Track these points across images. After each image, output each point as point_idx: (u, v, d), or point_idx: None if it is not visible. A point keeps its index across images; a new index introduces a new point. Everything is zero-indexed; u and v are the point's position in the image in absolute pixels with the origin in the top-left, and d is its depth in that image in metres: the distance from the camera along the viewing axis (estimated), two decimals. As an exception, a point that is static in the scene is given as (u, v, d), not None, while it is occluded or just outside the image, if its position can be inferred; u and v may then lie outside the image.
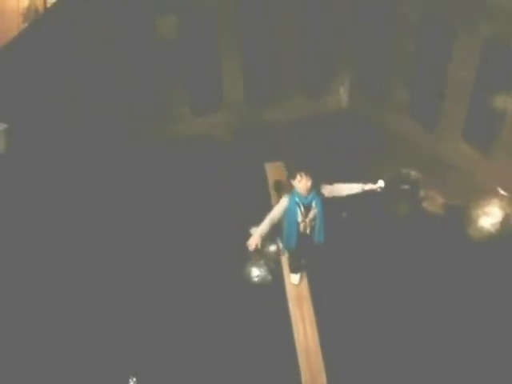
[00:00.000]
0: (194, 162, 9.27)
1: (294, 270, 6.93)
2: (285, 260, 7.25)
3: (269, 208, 8.07)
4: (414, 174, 8.82)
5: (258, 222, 7.88)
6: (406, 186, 8.60)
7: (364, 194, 6.21)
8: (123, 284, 7.19)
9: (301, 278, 6.93)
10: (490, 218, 8.06)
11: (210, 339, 6.46)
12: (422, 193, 8.49)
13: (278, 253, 7.22)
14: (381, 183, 6.13)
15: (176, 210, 8.30)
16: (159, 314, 6.79)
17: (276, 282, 7.12)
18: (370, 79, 10.03)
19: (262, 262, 7.45)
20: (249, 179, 8.70)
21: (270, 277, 7.27)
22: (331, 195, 6.04)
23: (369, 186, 6.15)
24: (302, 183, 5.69)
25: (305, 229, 6.11)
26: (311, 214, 5.96)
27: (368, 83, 10.08)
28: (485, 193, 8.43)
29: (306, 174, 5.67)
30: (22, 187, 8.43)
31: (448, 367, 6.04)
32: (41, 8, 10.38)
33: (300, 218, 5.97)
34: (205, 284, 7.13)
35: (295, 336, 6.38)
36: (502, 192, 8.39)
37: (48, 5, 10.18)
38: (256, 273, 7.35)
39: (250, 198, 8.36)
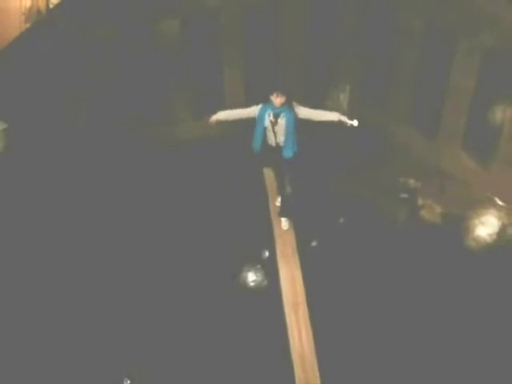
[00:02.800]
0: (193, 165, 9.28)
1: (282, 214, 7.82)
2: (281, 264, 7.29)
3: (267, 212, 8.16)
4: (412, 182, 8.83)
5: (256, 225, 7.95)
6: (404, 195, 8.62)
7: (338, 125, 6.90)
8: (120, 287, 7.18)
9: (289, 223, 7.85)
10: (487, 227, 8.07)
11: (205, 344, 6.44)
12: (419, 201, 8.50)
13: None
14: (355, 122, 6.82)
15: (174, 214, 8.30)
16: (155, 318, 6.77)
17: (272, 287, 7.10)
18: (370, 87, 10.05)
19: (258, 266, 7.45)
20: (247, 184, 8.72)
21: (265, 282, 7.26)
22: (306, 117, 6.94)
23: (344, 118, 6.89)
24: (277, 99, 6.75)
25: (273, 139, 7.08)
26: (279, 125, 6.91)
27: (368, 91, 10.10)
28: (482, 202, 8.44)
29: (282, 93, 6.72)
30: (22, 187, 8.42)
31: (445, 377, 6.03)
32: (43, 8, 10.39)
33: (267, 125, 6.97)
34: (201, 288, 7.12)
35: (290, 342, 6.38)
36: (500, 202, 8.40)
37: (50, 5, 10.21)
38: (252, 278, 7.34)
39: (248, 202, 8.38)
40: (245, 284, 7.28)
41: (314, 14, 9.65)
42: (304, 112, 6.94)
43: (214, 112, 7.21)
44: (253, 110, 7.05)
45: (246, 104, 7.26)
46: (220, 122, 7.24)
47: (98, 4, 8.82)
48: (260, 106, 6.99)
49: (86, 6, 8.88)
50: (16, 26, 10.05)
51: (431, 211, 8.33)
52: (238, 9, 9.34)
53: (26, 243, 7.73)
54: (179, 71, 9.59)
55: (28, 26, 9.92)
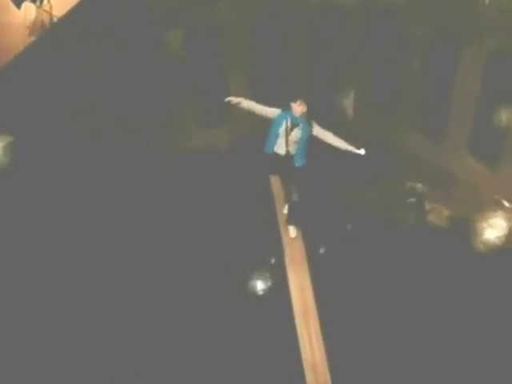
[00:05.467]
0: (201, 174, 9.29)
1: (290, 222, 7.82)
2: (290, 272, 7.29)
3: (274, 220, 8.17)
4: (419, 187, 8.83)
5: (264, 234, 7.96)
6: (412, 199, 8.61)
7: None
8: (132, 295, 7.21)
9: (297, 231, 7.85)
10: (495, 230, 8.05)
11: (215, 352, 6.43)
12: (427, 206, 8.49)
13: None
14: (362, 151, 6.95)
15: (182, 223, 8.30)
16: (162, 328, 6.77)
17: (281, 295, 7.10)
18: (375, 93, 10.06)
19: (267, 274, 7.45)
20: (254, 192, 8.72)
21: (275, 290, 7.25)
22: (317, 135, 6.98)
23: (351, 148, 7.01)
24: (299, 107, 6.78)
25: (284, 146, 7.05)
26: (294, 134, 6.94)
27: (373, 97, 10.11)
28: (490, 205, 8.42)
29: (305, 103, 6.77)
30: (28, 199, 8.47)
31: (455, 379, 6.01)
32: (47, 22, 10.48)
33: (282, 131, 6.96)
34: (210, 297, 7.12)
35: (301, 350, 6.37)
36: (507, 204, 8.39)
37: (54, 19, 10.29)
38: (261, 286, 7.34)
39: (255, 210, 8.39)
40: (254, 292, 7.27)
41: (319, 21, 9.69)
42: (317, 130, 6.96)
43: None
44: (272, 112, 7.03)
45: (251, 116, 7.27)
46: (237, 108, 7.16)
47: (102, 17, 8.89)
48: (280, 110, 6.98)
49: (90, 18, 8.95)
50: (20, 39, 10.14)
51: (439, 215, 8.32)
52: (244, 19, 9.39)
53: (32, 253, 7.77)
54: (185, 82, 9.63)
55: (32, 39, 10.01)
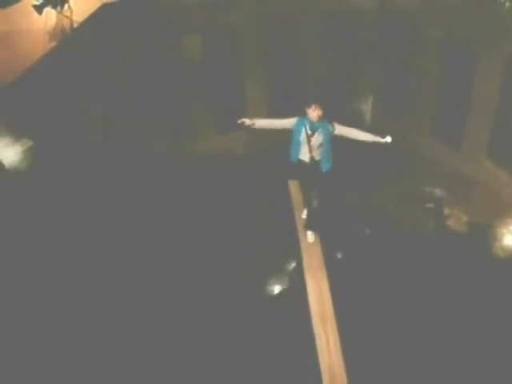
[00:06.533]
0: (218, 178, 9.33)
1: (309, 227, 7.81)
2: (308, 274, 7.28)
3: (293, 225, 8.17)
4: (438, 192, 8.79)
5: (282, 238, 7.97)
6: (431, 204, 8.57)
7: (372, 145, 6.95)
8: (150, 299, 7.24)
9: (315, 236, 7.83)
10: (514, 236, 7.99)
11: (234, 356, 6.44)
12: (446, 211, 8.45)
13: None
14: (388, 138, 6.86)
15: (200, 227, 8.33)
16: (178, 331, 6.79)
17: (299, 299, 7.10)
18: (393, 97, 10.04)
19: (285, 279, 7.45)
20: (273, 197, 8.74)
21: (293, 294, 7.24)
22: (340, 133, 6.97)
23: (377, 138, 6.93)
24: (314, 112, 6.78)
25: (310, 152, 7.06)
26: (315, 139, 6.96)
27: (391, 101, 10.09)
28: (510, 210, 8.36)
29: (320, 107, 6.75)
30: (47, 201, 8.56)
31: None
32: (67, 27, 10.60)
33: (303, 139, 6.98)
34: (228, 301, 7.14)
35: (319, 354, 6.36)
36: (527, 210, 8.32)
37: (75, 24, 10.41)
38: (279, 290, 7.34)
39: (274, 215, 8.40)
40: (272, 297, 7.27)
41: (335, 24, 9.69)
42: (339, 129, 6.97)
43: (237, 127, 7.20)
44: (289, 122, 7.04)
45: (270, 117, 7.27)
46: (252, 128, 7.13)
47: (121, 22, 8.96)
48: (296, 118, 6.99)
49: (109, 24, 9.02)
50: (41, 45, 10.26)
51: (458, 221, 8.27)
52: (260, 23, 9.42)
53: (47, 256, 7.87)
54: (203, 86, 9.68)
55: (52, 44, 10.12)
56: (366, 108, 10.37)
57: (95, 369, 6.30)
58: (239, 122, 7.02)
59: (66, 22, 10.52)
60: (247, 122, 7.02)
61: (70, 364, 6.36)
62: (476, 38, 8.25)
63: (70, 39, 9.83)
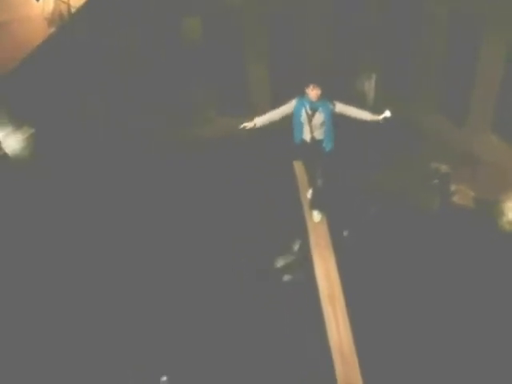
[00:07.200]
0: (223, 161, 9.30)
1: (314, 206, 7.76)
2: (316, 256, 7.27)
3: (299, 205, 8.15)
4: (444, 168, 8.75)
5: (288, 219, 7.95)
6: (436, 181, 8.54)
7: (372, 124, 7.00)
8: (148, 286, 7.25)
9: (322, 216, 7.77)
10: (521, 210, 7.97)
11: (242, 336, 6.46)
12: (452, 187, 8.41)
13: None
14: (387, 113, 6.88)
15: (208, 209, 8.33)
16: (191, 316, 6.81)
17: (307, 279, 7.09)
18: (397, 76, 9.95)
19: (293, 259, 7.45)
20: (278, 178, 8.72)
21: (301, 275, 7.25)
22: (340, 112, 6.93)
23: (376, 116, 6.95)
24: (313, 91, 6.76)
25: (312, 132, 7.04)
26: (316, 119, 6.92)
27: (395, 80, 10.01)
28: (516, 185, 8.33)
29: (318, 86, 6.73)
30: (47, 189, 8.56)
31: (481, 361, 5.97)
32: (65, 13, 10.50)
33: (304, 119, 6.96)
34: (234, 281, 7.15)
35: (328, 334, 6.36)
36: (533, 184, 8.28)
37: (72, 10, 10.30)
38: (287, 271, 7.33)
39: (279, 195, 8.38)
40: (280, 277, 7.27)
41: (338, 3, 9.58)
42: (339, 107, 6.94)
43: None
44: (288, 107, 7.01)
45: (272, 99, 7.24)
46: (255, 113, 7.13)
47: (120, 6, 8.87)
48: (295, 100, 6.96)
49: (107, 8, 8.94)
50: (40, 31, 10.17)
51: (464, 196, 8.24)
52: (261, 5, 9.32)
53: (49, 246, 7.89)
54: (203, 70, 9.61)
55: (51, 31, 10.04)
56: (369, 86, 10.30)
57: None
58: (241, 127, 7.05)
59: (63, 8, 10.41)
60: (249, 125, 7.04)
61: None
62: (480, 12, 8.13)
63: (68, 25, 9.74)
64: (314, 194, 7.76)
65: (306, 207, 8.07)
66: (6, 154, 9.17)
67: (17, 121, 9.62)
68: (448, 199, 8.24)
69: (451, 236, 7.51)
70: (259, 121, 7.06)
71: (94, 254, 7.72)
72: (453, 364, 5.97)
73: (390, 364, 5.99)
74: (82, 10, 9.56)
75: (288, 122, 7.12)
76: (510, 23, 7.81)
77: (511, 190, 8.27)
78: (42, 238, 7.97)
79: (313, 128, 7.03)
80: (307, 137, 7.15)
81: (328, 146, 7.16)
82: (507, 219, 7.85)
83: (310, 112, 6.91)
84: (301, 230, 7.78)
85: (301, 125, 7.05)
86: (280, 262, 7.42)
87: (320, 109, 6.88)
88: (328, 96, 6.88)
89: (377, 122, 6.98)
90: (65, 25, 9.85)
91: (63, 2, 10.63)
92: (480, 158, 8.82)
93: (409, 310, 6.57)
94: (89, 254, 7.74)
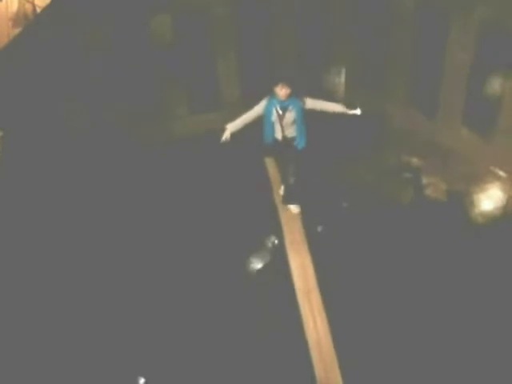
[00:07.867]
0: (194, 160, 9.26)
1: (286, 201, 7.89)
2: (291, 252, 7.26)
3: (272, 202, 8.14)
4: (415, 161, 8.82)
5: (262, 215, 7.93)
6: (408, 174, 8.59)
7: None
8: (131, 286, 7.18)
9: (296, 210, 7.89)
10: (492, 201, 8.03)
11: (219, 336, 6.42)
12: (424, 180, 8.47)
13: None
14: (358, 111, 7.05)
15: (179, 209, 8.28)
16: (166, 313, 6.76)
17: (283, 275, 7.08)
18: (366, 68, 9.99)
19: (267, 255, 7.42)
20: (249, 175, 8.70)
21: (276, 271, 7.22)
22: (312, 107, 6.98)
23: (348, 110, 7.06)
24: (282, 91, 6.75)
25: (283, 131, 7.10)
26: (287, 118, 6.96)
27: (365, 72, 10.04)
28: (486, 176, 8.41)
29: (286, 85, 6.74)
30: (20, 192, 8.44)
31: (462, 353, 6.01)
32: (30, 13, 10.31)
33: (274, 119, 6.99)
34: (210, 280, 7.10)
35: (306, 330, 6.36)
36: (504, 174, 8.37)
37: (38, 9, 10.12)
38: (262, 267, 7.30)
39: (251, 193, 8.36)
40: (255, 274, 7.24)
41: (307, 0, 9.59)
42: (310, 103, 6.96)
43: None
44: (260, 107, 7.02)
45: (241, 96, 7.23)
46: (233, 133, 7.12)
47: (87, 5, 8.75)
48: (265, 100, 6.97)
49: (75, 6, 8.80)
50: (5, 32, 9.98)
51: (436, 189, 8.30)
52: (230, 2, 9.29)
53: (25, 247, 7.78)
54: (173, 67, 9.54)
55: (16, 31, 9.85)
56: (339, 81, 10.33)
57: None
58: (222, 141, 7.10)
59: (28, 8, 10.23)
60: (226, 135, 7.08)
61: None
62: (448, 4, 8.20)
63: (34, 25, 9.57)
64: (286, 190, 7.77)
65: (279, 204, 8.07)
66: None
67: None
68: (420, 192, 8.30)
69: (424, 229, 7.55)
70: (232, 126, 7.08)
71: (76, 255, 7.66)
72: (430, 357, 5.99)
73: (369, 360, 5.99)
74: (47, 9, 9.39)
75: (260, 119, 7.12)
76: (477, 14, 7.89)
77: (482, 181, 8.36)
78: (12, 240, 7.85)
79: (284, 127, 7.07)
80: (279, 135, 7.19)
81: (300, 144, 7.21)
82: (479, 211, 7.93)
83: (280, 111, 6.95)
84: (275, 227, 7.77)
85: (272, 124, 7.08)
86: (255, 260, 7.39)
87: (290, 107, 6.91)
88: (298, 92, 6.90)
89: (348, 116, 7.05)
90: (30, 25, 9.68)
91: (28, 1, 10.44)
92: (450, 150, 8.89)
93: (386, 303, 6.59)
94: (62, 253, 7.67)
